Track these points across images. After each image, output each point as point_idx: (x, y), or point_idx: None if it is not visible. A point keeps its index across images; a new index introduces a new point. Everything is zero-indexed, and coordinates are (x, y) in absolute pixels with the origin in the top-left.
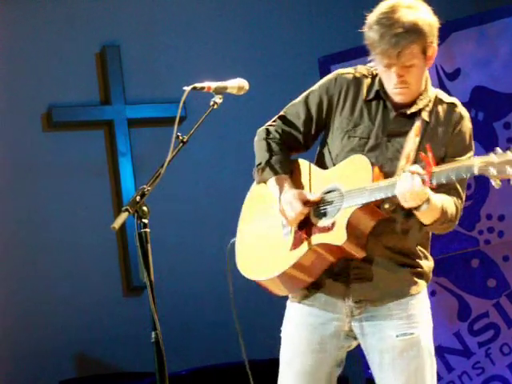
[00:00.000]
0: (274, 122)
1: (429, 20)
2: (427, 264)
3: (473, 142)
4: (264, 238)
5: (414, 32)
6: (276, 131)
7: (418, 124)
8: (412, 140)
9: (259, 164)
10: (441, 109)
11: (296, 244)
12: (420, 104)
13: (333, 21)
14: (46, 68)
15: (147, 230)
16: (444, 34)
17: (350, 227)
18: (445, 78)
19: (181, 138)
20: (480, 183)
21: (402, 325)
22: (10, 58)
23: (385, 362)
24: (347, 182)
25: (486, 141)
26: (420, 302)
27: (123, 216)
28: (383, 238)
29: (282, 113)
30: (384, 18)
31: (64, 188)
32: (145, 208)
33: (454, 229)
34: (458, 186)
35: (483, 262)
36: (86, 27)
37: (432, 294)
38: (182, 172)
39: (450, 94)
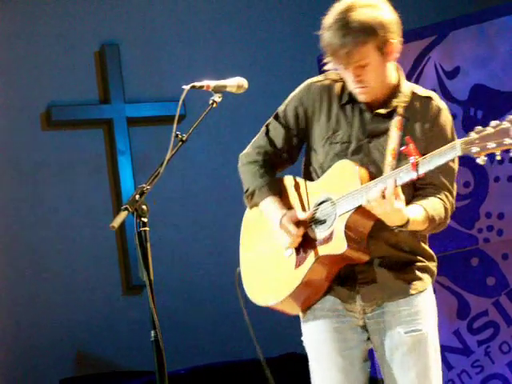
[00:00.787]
0: (253, 143)
1: (383, 17)
2: (430, 259)
3: (455, 134)
4: (267, 262)
5: (364, 31)
6: (257, 153)
7: (397, 119)
8: (394, 135)
9: (247, 190)
10: (417, 104)
11: (300, 262)
12: (394, 102)
13: None
14: (45, 67)
15: (146, 228)
16: (443, 32)
17: (349, 233)
18: (444, 77)
19: (180, 136)
20: (479, 181)
21: (410, 321)
22: (9, 57)
23: (393, 359)
24: (337, 189)
25: None
26: (426, 298)
27: (122, 215)
28: (384, 235)
29: (260, 133)
30: (335, 20)
31: (63, 187)
32: (144, 207)
33: (453, 227)
34: (446, 181)
35: (482, 260)
36: (85, 26)
37: None
38: (181, 170)
39: (449, 92)
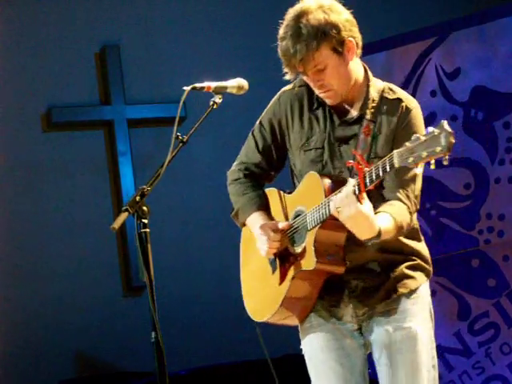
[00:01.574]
0: (237, 159)
1: (334, 18)
2: (421, 256)
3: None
4: (258, 279)
5: (315, 36)
6: (239, 170)
7: (365, 124)
8: (363, 141)
9: (232, 210)
10: (386, 107)
11: (282, 277)
12: (362, 109)
13: None
14: (45, 68)
15: (147, 229)
16: (444, 33)
17: (319, 248)
18: (444, 78)
19: (180, 138)
20: (480, 183)
21: (399, 319)
22: (10, 58)
23: (383, 357)
24: (307, 202)
25: (485, 140)
26: (419, 297)
27: (123, 216)
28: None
29: (244, 145)
30: (286, 29)
31: (64, 188)
32: (145, 208)
33: (453, 228)
34: (410, 185)
35: (483, 261)
36: (85, 27)
37: (432, 293)
38: (182, 172)
39: (449, 93)
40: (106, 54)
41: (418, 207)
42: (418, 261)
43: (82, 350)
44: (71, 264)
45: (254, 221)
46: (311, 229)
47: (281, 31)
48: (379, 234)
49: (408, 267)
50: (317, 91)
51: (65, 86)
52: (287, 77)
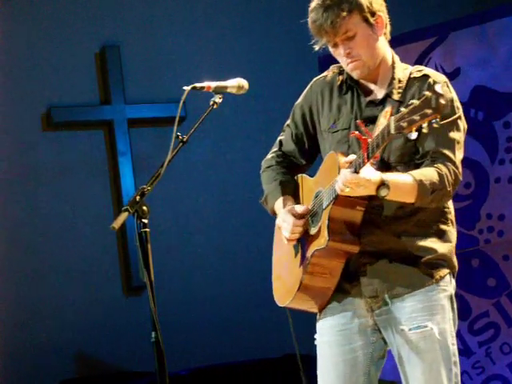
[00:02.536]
0: (273, 147)
1: None
2: (445, 247)
3: (456, 108)
4: (283, 265)
5: (346, 2)
6: (272, 157)
7: (387, 109)
8: (382, 125)
9: (261, 197)
10: (414, 86)
11: (302, 259)
12: (388, 89)
13: None
14: (45, 68)
15: (147, 229)
16: (444, 33)
17: (333, 226)
18: None
19: (180, 137)
20: (480, 182)
21: (415, 317)
22: (10, 58)
23: (401, 356)
24: (325, 182)
25: (485, 140)
26: (438, 293)
27: (123, 216)
28: (392, 224)
29: (279, 137)
30: (316, 1)
31: (64, 188)
32: (145, 208)
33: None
34: (444, 150)
35: (483, 261)
36: (85, 27)
37: None
38: (182, 171)
39: None
40: (106, 53)
41: (459, 172)
42: (440, 253)
43: (82, 350)
44: (71, 264)
45: (278, 207)
46: (326, 207)
47: (312, 4)
48: (383, 182)
49: (428, 261)
50: (344, 63)
51: (65, 86)
52: (316, 47)
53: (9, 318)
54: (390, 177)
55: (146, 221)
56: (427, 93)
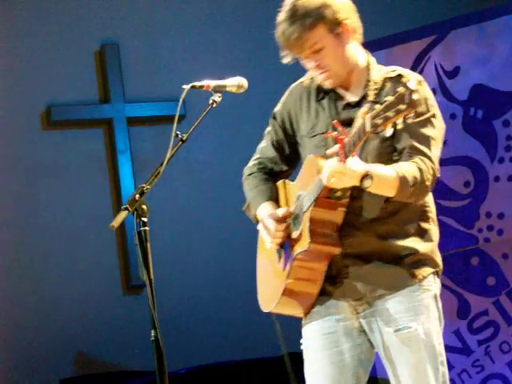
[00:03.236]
0: (253, 157)
1: (332, 0)
2: (427, 246)
3: (431, 106)
4: (267, 270)
5: (311, 15)
6: (254, 165)
7: (363, 110)
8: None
9: (244, 204)
10: (389, 85)
11: (286, 263)
12: (363, 91)
13: None
14: (45, 67)
15: (146, 228)
16: (443, 31)
17: (314, 228)
18: (444, 76)
19: (180, 136)
20: (479, 181)
21: (400, 318)
22: (9, 57)
23: (387, 358)
24: (306, 185)
25: (485, 139)
26: (421, 293)
27: (122, 215)
28: (373, 226)
29: (260, 144)
30: (284, 13)
31: (63, 186)
32: (144, 206)
33: (453, 226)
34: (420, 146)
35: (483, 260)
36: (85, 26)
37: None
38: (182, 170)
39: (449, 92)
40: (105, 52)
41: (438, 173)
42: (422, 252)
43: (82, 349)
44: (71, 263)
45: (260, 212)
46: (306, 210)
47: (278, 17)
48: (368, 174)
49: (411, 262)
50: (315, 74)
51: (64, 85)
52: (284, 60)
53: (9, 317)
54: (373, 168)
55: (145, 219)
56: (400, 89)
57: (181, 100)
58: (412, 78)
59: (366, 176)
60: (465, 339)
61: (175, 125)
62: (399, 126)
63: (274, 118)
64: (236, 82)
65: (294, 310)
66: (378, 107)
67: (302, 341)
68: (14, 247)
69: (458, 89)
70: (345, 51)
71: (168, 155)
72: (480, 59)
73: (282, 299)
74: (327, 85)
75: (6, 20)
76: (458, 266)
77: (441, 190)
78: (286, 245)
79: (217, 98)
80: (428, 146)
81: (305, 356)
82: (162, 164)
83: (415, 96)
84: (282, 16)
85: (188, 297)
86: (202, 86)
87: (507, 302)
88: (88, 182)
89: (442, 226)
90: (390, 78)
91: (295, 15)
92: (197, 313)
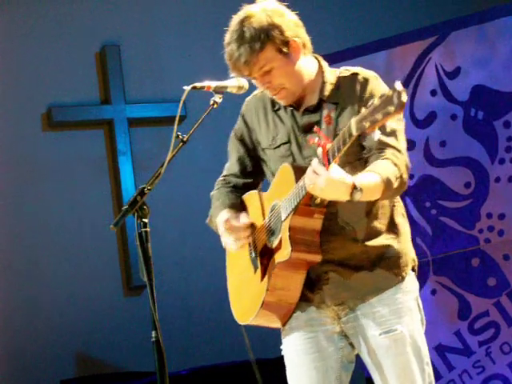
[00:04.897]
0: (222, 174)
1: (277, 20)
2: (400, 240)
3: None
4: (242, 282)
5: (258, 38)
6: (220, 181)
7: (325, 113)
8: (325, 130)
9: (208, 218)
10: (344, 85)
11: (263, 273)
12: (320, 93)
13: (332, 20)
14: (45, 68)
15: (147, 229)
16: (444, 32)
17: (294, 236)
18: (445, 77)
19: (181, 137)
20: (480, 182)
21: (384, 322)
22: (10, 58)
23: (373, 362)
24: (281, 194)
25: (485, 139)
26: (404, 293)
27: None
28: (347, 230)
29: (226, 163)
30: (231, 35)
31: (64, 187)
32: (145, 207)
33: (453, 227)
34: (389, 141)
35: (483, 260)
36: (85, 27)
37: (432, 292)
38: (182, 171)
39: (449, 92)
40: (106, 53)
41: (407, 160)
42: (396, 250)
43: (82, 350)
44: (71, 263)
45: (219, 218)
46: (285, 219)
47: (226, 37)
48: (356, 187)
49: (389, 263)
50: (269, 94)
51: (65, 86)
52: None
53: (9, 317)
54: (360, 180)
55: (146, 220)
56: (388, 91)
57: (181, 101)
58: (368, 76)
59: (354, 189)
60: (465, 340)
61: (176, 126)
62: (389, 129)
63: (235, 134)
64: (236, 83)
65: (272, 321)
66: (363, 111)
67: (282, 347)
68: (13, 247)
69: (458, 90)
70: (295, 69)
71: (169, 156)
72: (481, 60)
73: (261, 311)
74: (283, 103)
75: (7, 21)
76: (458, 267)
77: (441, 190)
78: (263, 255)
79: (217, 98)
80: (397, 140)
81: (286, 361)
82: (162, 165)
83: (404, 97)
84: (228, 37)
85: (189, 297)
86: (202, 87)
87: (508, 303)
88: (89, 183)
89: (443, 226)
90: (345, 77)
91: (242, 37)
92: (198, 313)
